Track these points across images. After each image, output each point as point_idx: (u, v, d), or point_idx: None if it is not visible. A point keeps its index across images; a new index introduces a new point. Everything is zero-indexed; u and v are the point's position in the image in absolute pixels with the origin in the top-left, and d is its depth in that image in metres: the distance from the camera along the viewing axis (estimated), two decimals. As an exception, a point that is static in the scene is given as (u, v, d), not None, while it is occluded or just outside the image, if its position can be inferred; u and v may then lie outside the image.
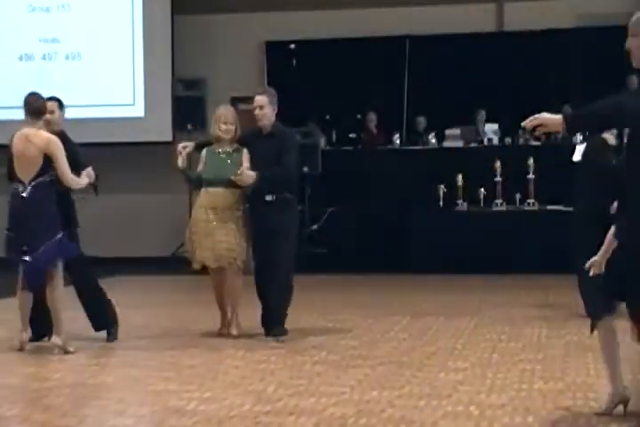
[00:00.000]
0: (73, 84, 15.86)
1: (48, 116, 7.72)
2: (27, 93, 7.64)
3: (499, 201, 13.26)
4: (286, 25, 16.01)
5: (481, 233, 13.07)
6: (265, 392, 5.80)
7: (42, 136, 7.34)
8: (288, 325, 7.84)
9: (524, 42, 15.34)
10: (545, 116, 4.92)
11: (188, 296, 11.85)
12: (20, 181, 7.29)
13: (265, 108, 7.99)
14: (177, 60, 15.96)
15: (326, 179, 13.79)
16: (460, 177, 13.07)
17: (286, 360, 6.87)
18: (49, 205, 7.29)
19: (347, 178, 13.91)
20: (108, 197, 16.27)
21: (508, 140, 14.47)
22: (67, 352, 7.24)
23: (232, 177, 7.76)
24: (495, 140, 14.55)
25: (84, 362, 6.95)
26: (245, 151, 7.99)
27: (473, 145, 14.58)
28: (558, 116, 4.90)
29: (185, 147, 8.17)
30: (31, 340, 7.55)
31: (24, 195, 7.26)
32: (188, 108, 16.07)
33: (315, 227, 13.91)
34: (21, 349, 7.36)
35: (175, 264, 14.84)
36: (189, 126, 15.62)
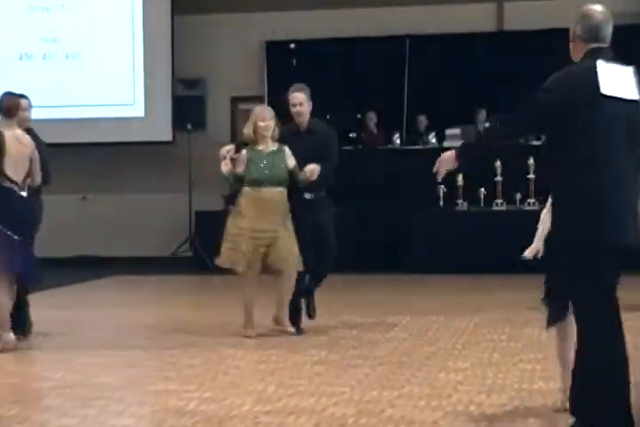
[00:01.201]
0: (73, 84, 15.88)
1: (25, 114, 7.72)
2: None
3: (499, 201, 13.26)
4: (286, 25, 16.01)
5: (481, 233, 13.07)
6: (265, 392, 5.81)
7: (27, 137, 7.44)
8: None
9: (524, 42, 15.34)
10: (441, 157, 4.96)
11: (187, 296, 11.86)
12: (12, 181, 7.30)
13: (304, 104, 8.09)
14: (177, 60, 15.96)
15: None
16: (460, 177, 13.07)
17: (286, 360, 6.87)
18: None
19: (347, 178, 13.90)
20: (108, 197, 16.33)
21: (507, 139, 14.45)
22: None
23: (301, 176, 7.76)
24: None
25: (84, 362, 6.94)
26: (287, 149, 7.95)
27: (472, 145, 14.55)
28: (450, 153, 4.92)
29: (229, 151, 7.98)
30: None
31: (23, 194, 7.28)
32: (188, 108, 16.07)
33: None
34: (5, 350, 7.36)
35: (175, 264, 14.89)
36: (189, 126, 15.62)
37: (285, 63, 15.79)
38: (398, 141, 14.84)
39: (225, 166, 7.90)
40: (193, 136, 15.60)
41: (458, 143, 14.42)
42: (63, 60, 16.10)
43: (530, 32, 15.32)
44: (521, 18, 15.58)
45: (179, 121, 15.85)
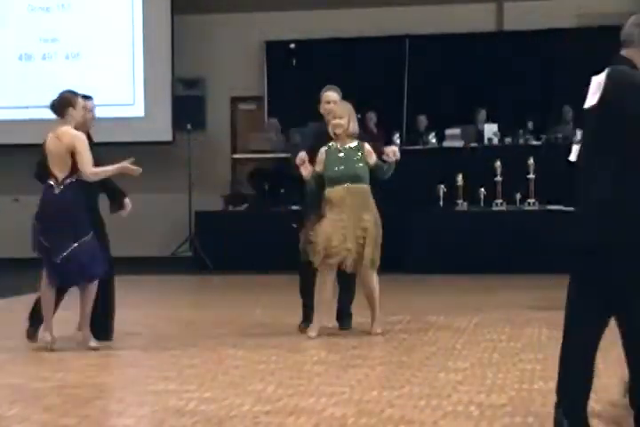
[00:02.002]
0: (73, 84, 15.71)
1: (90, 115, 7.77)
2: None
3: (499, 201, 13.25)
4: (286, 25, 16.02)
5: (481, 233, 13.07)
6: (265, 392, 5.80)
7: (68, 133, 7.30)
8: (287, 325, 7.87)
9: (524, 42, 15.35)
10: None
11: (187, 296, 11.87)
12: (55, 179, 7.26)
13: (337, 103, 8.25)
14: (177, 60, 15.97)
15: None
16: (460, 177, 13.07)
17: (286, 360, 6.87)
18: (80, 204, 7.27)
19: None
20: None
21: (507, 140, 14.46)
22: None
23: (386, 165, 7.86)
24: (495, 141, 14.55)
25: (84, 362, 6.94)
26: (367, 145, 8.00)
27: (473, 145, 14.58)
28: None
29: (302, 157, 7.93)
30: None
31: (56, 192, 7.22)
32: (187, 108, 16.08)
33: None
34: (52, 349, 7.31)
35: (175, 264, 14.88)
36: (189, 126, 15.62)
37: (285, 63, 15.80)
38: (398, 141, 14.81)
39: (305, 170, 7.84)
40: (193, 136, 15.60)
41: (458, 143, 14.48)
42: (63, 61, 16.11)
43: (530, 32, 15.33)
44: (521, 18, 15.59)
45: (179, 121, 15.85)
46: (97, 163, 7.37)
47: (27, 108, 15.69)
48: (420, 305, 9.95)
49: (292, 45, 15.93)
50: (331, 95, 8.32)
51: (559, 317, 4.71)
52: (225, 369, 6.59)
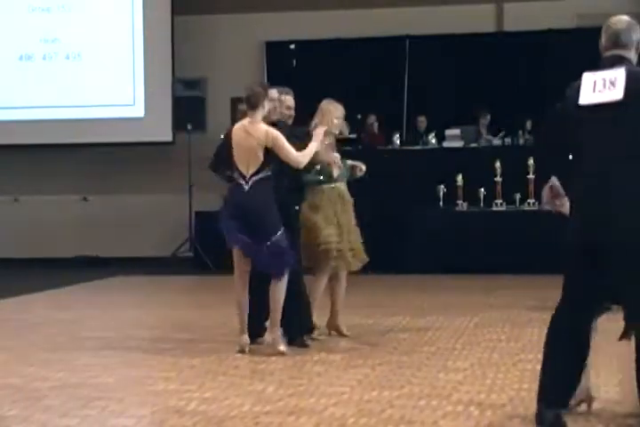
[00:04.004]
0: (73, 85, 15.88)
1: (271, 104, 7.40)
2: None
3: (499, 201, 13.26)
4: (286, 25, 16.02)
5: (481, 233, 13.07)
6: (265, 392, 5.81)
7: (258, 127, 7.10)
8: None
9: (524, 42, 15.35)
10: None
11: (188, 296, 11.86)
12: (242, 175, 7.08)
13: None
14: (177, 60, 15.97)
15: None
16: (460, 177, 13.07)
17: (286, 360, 6.87)
18: (270, 202, 7.03)
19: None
20: (108, 197, 16.33)
21: (507, 140, 14.47)
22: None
23: (358, 174, 7.97)
24: (495, 141, 14.56)
25: (85, 362, 6.95)
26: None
27: (473, 145, 14.58)
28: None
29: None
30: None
31: (246, 190, 7.03)
32: (188, 108, 16.08)
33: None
34: (243, 351, 7.13)
35: (175, 264, 14.89)
36: (189, 127, 15.62)
37: (285, 64, 15.80)
38: (398, 142, 14.84)
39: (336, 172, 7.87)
40: (193, 137, 15.60)
41: (458, 144, 14.47)
42: (63, 61, 16.10)
43: (530, 32, 15.33)
44: (521, 18, 15.59)
45: (179, 121, 15.85)
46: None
47: (27, 108, 15.71)
48: (420, 305, 9.95)
49: (293, 46, 15.93)
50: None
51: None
52: (225, 369, 6.59)
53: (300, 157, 7.06)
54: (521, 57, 15.25)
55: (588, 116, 4.61)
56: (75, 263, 15.35)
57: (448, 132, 14.60)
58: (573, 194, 4.75)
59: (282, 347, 7.05)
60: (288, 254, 7.04)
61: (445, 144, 14.54)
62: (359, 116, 15.46)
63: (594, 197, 4.56)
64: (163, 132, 15.89)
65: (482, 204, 13.40)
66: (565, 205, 4.84)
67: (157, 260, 15.24)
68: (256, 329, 7.31)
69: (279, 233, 7.00)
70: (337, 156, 7.84)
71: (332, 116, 7.81)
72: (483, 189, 13.29)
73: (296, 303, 7.31)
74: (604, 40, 4.74)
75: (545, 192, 4.95)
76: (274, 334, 7.11)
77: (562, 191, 4.88)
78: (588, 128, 4.64)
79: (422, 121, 15.29)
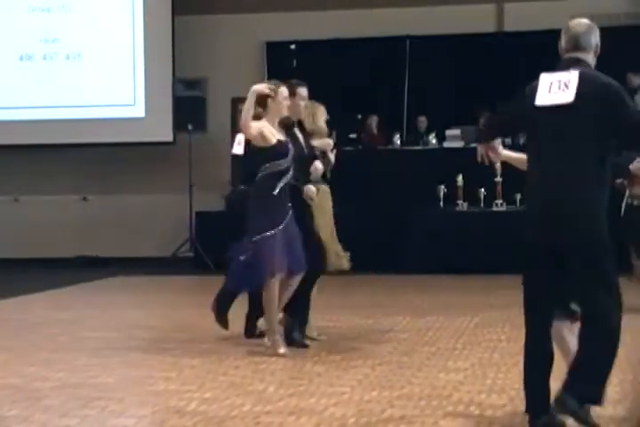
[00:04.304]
0: (73, 85, 15.88)
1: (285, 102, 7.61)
2: None
3: (499, 201, 13.25)
4: (286, 25, 16.03)
5: (481, 233, 13.07)
6: (265, 392, 5.81)
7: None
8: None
9: (524, 42, 15.35)
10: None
11: (188, 297, 11.85)
12: None
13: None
14: (177, 60, 15.97)
15: (326, 179, 13.78)
16: (460, 177, 13.07)
17: (286, 360, 6.87)
18: (256, 204, 7.31)
19: (347, 178, 13.90)
20: (109, 198, 16.33)
21: (508, 140, 14.45)
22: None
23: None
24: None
25: (85, 362, 6.95)
26: None
27: (473, 145, 14.56)
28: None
29: None
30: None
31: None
32: (188, 108, 16.08)
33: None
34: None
35: (176, 265, 14.89)
36: (190, 127, 15.62)
37: (286, 64, 15.79)
38: (398, 142, 14.84)
39: None
40: (193, 137, 15.60)
41: (458, 144, 14.47)
42: (64, 61, 16.10)
43: (530, 32, 15.33)
44: (521, 18, 15.59)
45: (179, 122, 15.85)
46: None
47: (27, 108, 15.71)
48: (419, 305, 9.95)
49: (293, 46, 15.93)
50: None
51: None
52: (225, 369, 6.60)
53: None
54: (521, 57, 15.24)
55: (543, 117, 4.63)
56: (75, 263, 15.35)
57: (448, 132, 14.60)
58: (528, 194, 4.77)
59: (281, 350, 7.06)
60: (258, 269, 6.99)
61: (446, 144, 14.54)
62: (359, 116, 15.49)
63: (548, 197, 4.57)
64: (163, 132, 15.89)
65: (482, 204, 13.40)
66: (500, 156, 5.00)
67: (158, 260, 15.24)
68: (252, 329, 7.55)
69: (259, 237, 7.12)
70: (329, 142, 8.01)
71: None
72: (483, 190, 13.28)
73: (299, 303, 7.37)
74: (563, 42, 4.80)
75: (481, 146, 5.29)
76: (272, 337, 7.13)
77: (499, 147, 5.37)
78: (543, 129, 4.67)
79: (422, 121, 15.30)
